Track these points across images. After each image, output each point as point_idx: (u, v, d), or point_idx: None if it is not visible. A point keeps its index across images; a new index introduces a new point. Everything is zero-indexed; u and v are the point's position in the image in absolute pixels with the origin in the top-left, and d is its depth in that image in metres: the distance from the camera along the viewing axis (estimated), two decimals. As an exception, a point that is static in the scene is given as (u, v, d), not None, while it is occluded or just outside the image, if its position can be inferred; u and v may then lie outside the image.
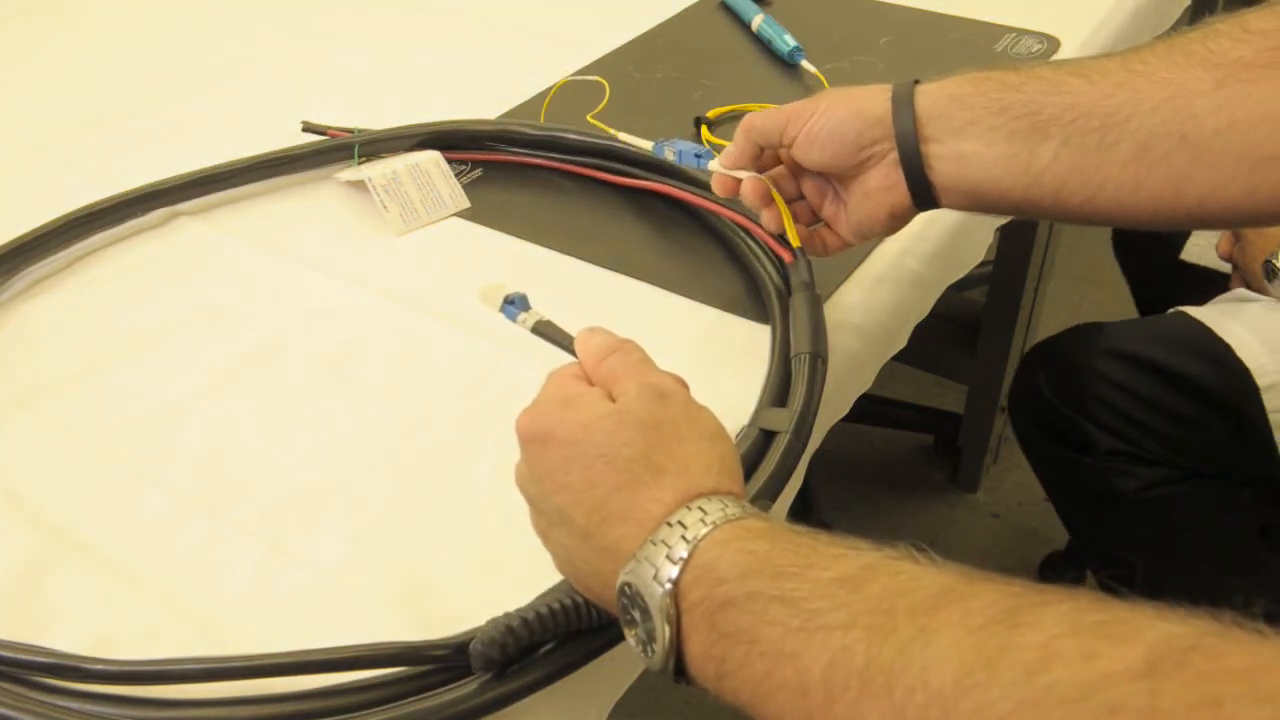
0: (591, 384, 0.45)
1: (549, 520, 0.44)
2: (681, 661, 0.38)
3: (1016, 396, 1.08)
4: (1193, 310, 0.98)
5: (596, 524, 0.41)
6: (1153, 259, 1.14)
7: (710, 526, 0.38)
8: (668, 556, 0.38)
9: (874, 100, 0.57)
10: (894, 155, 0.56)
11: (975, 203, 0.57)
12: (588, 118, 0.79)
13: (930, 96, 0.56)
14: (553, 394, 0.45)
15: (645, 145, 0.71)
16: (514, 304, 0.53)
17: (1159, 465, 0.97)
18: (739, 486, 0.42)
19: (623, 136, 0.75)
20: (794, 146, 0.59)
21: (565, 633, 0.44)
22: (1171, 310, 1.00)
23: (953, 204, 0.57)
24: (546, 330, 0.51)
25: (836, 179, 0.61)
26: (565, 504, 0.42)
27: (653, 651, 0.38)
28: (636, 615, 0.39)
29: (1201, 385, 0.94)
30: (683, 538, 0.38)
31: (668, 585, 0.37)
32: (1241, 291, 1.00)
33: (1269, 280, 0.96)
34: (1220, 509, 1.00)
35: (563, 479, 0.42)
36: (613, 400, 0.44)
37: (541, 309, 0.53)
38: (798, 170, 0.62)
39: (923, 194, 0.57)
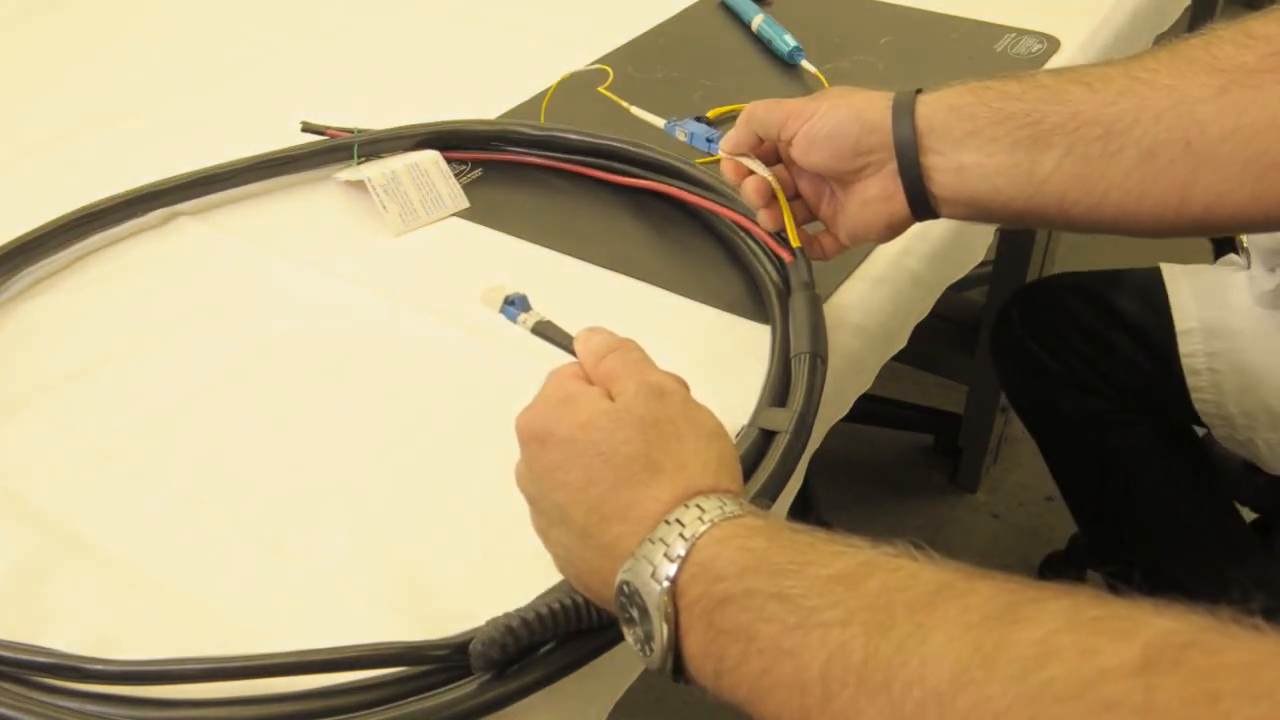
0: (591, 383, 0.45)
1: (549, 519, 0.44)
2: (680, 660, 0.38)
3: (995, 327, 1.15)
4: (1167, 265, 1.02)
5: (595, 522, 0.41)
6: None
7: (708, 524, 0.38)
8: (665, 554, 0.38)
9: (874, 107, 0.57)
10: (892, 166, 0.56)
11: (977, 213, 0.57)
12: (599, 89, 0.79)
13: (930, 107, 0.56)
14: (552, 393, 0.45)
15: (657, 122, 0.72)
16: (514, 305, 0.53)
17: (1098, 395, 1.04)
18: (738, 485, 0.42)
19: (635, 110, 0.75)
20: (792, 145, 0.59)
21: (565, 633, 0.44)
22: (1159, 264, 1.04)
23: (953, 214, 0.57)
24: (546, 330, 0.52)
25: (834, 181, 0.61)
26: (564, 502, 0.42)
27: (651, 650, 0.38)
28: (635, 614, 0.39)
29: (1139, 327, 1.00)
30: (680, 535, 0.38)
31: (665, 583, 0.37)
32: (1234, 256, 1.02)
33: (1237, 253, 0.99)
34: (1165, 450, 1.05)
35: (562, 477, 0.42)
36: (612, 399, 0.44)
37: (542, 309, 0.53)
38: (795, 168, 0.62)
39: (922, 205, 0.57)
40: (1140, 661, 0.27)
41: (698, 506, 0.39)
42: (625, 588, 0.39)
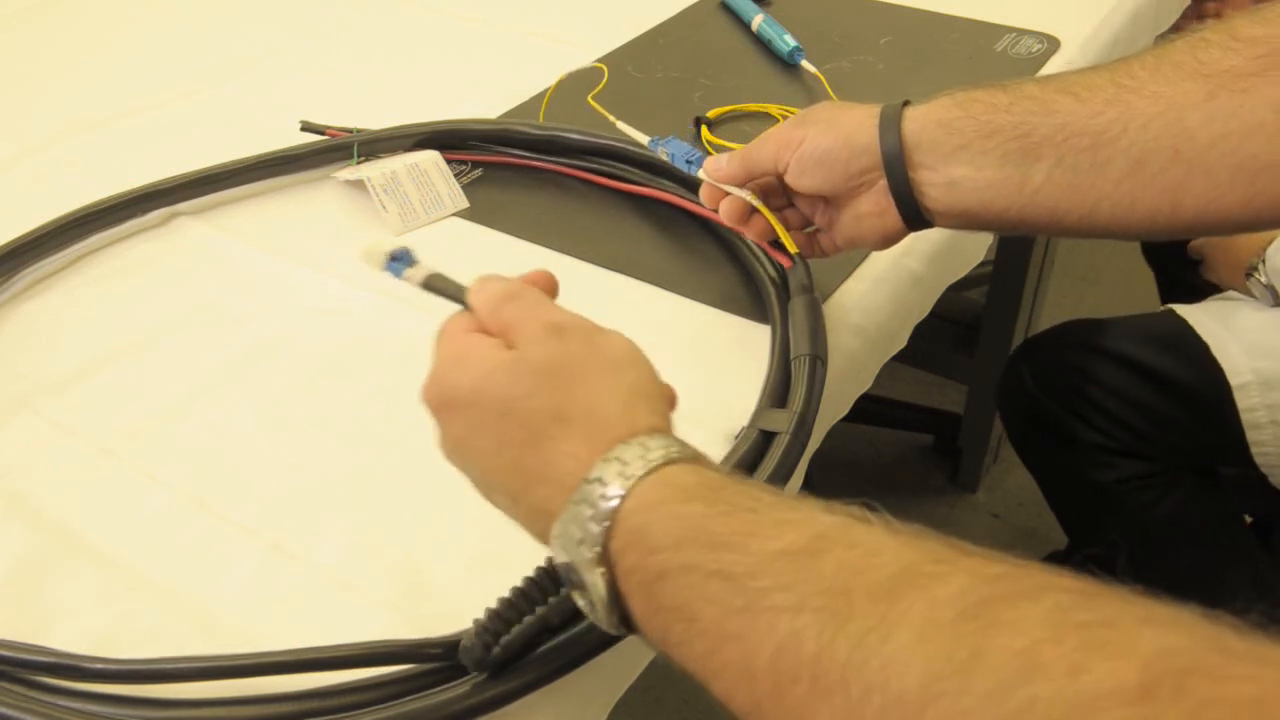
0: (488, 334, 0.43)
1: (484, 488, 0.42)
2: (632, 623, 0.36)
3: (1003, 391, 1.10)
4: (1181, 308, 0.99)
5: (521, 486, 0.39)
6: (1176, 248, 1.14)
7: (631, 480, 0.36)
8: (591, 518, 0.36)
9: (862, 128, 0.56)
10: (885, 182, 0.56)
11: (970, 224, 0.57)
12: (588, 99, 0.80)
13: (917, 122, 0.55)
14: (445, 354, 0.42)
15: (641, 138, 0.72)
16: (399, 260, 0.47)
17: (1138, 458, 1.00)
18: (657, 416, 0.39)
19: (620, 125, 0.75)
20: (787, 174, 0.59)
21: (548, 606, 0.42)
22: (1162, 308, 1.01)
23: (948, 225, 0.58)
24: (437, 284, 0.47)
25: (829, 197, 0.61)
26: (487, 469, 0.40)
27: (598, 616, 0.37)
28: (574, 579, 0.37)
29: (1178, 383, 0.96)
30: (602, 496, 0.36)
31: (596, 550, 0.35)
32: (1234, 292, 1.01)
33: (1248, 279, 0.98)
34: (1202, 502, 1.02)
35: (475, 444, 0.40)
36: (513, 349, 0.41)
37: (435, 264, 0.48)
38: (789, 188, 0.62)
39: (915, 218, 0.57)
40: (1138, 689, 0.25)
41: (618, 460, 0.36)
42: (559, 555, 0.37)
